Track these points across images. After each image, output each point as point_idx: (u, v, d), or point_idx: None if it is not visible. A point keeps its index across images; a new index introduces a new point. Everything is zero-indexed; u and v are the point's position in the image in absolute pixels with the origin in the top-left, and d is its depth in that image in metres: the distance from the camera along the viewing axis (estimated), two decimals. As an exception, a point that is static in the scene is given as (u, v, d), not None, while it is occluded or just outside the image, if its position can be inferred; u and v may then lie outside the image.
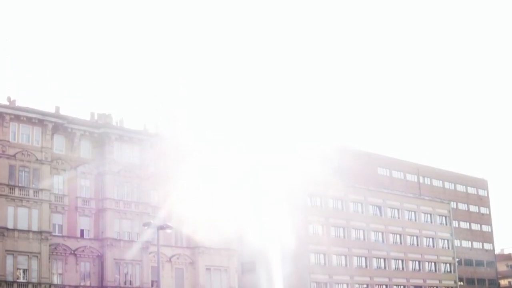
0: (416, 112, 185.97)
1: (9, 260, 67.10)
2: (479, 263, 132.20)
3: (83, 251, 72.80)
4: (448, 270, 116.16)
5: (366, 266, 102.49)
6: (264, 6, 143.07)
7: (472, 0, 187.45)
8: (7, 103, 70.29)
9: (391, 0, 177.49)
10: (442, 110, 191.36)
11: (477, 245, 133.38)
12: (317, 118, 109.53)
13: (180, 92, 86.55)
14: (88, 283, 72.91)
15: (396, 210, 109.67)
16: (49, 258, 69.47)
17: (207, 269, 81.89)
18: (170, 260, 79.23)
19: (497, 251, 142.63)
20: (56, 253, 70.88)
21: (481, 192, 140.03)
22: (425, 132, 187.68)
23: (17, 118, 70.24)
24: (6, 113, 69.42)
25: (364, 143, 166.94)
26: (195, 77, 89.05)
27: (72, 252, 72.06)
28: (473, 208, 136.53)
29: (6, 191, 68.17)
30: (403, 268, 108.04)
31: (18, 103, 71.02)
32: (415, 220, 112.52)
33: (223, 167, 79.94)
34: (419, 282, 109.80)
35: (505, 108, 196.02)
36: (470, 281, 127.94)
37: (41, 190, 70.15)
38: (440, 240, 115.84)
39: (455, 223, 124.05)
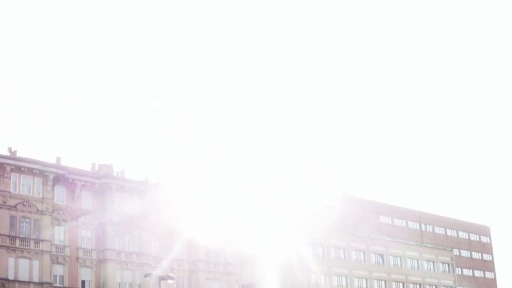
0: (418, 160, 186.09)
1: (10, 312, 66.63)
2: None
3: (84, 302, 72.27)
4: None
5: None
6: (269, 32, 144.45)
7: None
8: (8, 154, 70.44)
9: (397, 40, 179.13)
10: (443, 158, 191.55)
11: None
12: (319, 167, 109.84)
13: (181, 134, 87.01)
14: (89, 335, 72.35)
15: (398, 258, 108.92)
16: (50, 310, 68.95)
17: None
18: (171, 311, 78.48)
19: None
20: (57, 304, 70.38)
21: (484, 239, 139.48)
22: (427, 180, 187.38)
23: (18, 169, 70.34)
24: (7, 164, 69.55)
25: (366, 191, 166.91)
26: (197, 111, 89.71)
27: (73, 303, 71.54)
28: (476, 255, 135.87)
29: (7, 242, 67.94)
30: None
31: (19, 154, 71.16)
32: (418, 268, 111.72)
33: (221, 221, 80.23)
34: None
35: (507, 155, 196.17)
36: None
37: (42, 241, 69.87)
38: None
39: (458, 271, 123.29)
